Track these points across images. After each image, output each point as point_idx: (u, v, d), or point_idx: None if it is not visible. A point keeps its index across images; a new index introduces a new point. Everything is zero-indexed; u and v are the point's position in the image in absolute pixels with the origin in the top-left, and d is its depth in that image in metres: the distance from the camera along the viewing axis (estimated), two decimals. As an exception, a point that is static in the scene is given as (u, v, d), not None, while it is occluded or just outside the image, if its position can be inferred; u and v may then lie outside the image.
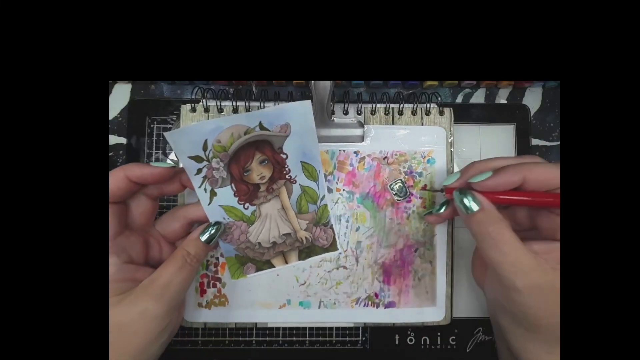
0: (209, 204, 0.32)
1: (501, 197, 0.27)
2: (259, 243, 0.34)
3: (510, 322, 0.28)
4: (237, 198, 0.33)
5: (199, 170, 0.31)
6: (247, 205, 0.33)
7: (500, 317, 0.29)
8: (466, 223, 0.27)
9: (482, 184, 0.26)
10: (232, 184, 0.32)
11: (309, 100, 0.30)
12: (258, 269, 0.35)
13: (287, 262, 0.35)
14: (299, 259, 0.35)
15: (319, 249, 0.35)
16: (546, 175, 0.25)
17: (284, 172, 0.33)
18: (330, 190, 0.35)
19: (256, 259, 0.35)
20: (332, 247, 0.35)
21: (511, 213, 0.31)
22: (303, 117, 0.30)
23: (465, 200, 0.26)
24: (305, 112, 0.30)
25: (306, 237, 0.35)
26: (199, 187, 0.31)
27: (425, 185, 0.35)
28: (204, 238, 0.31)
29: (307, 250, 0.35)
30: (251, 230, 0.34)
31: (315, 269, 0.35)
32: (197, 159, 0.30)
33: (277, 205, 0.34)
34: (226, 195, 0.32)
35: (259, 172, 0.32)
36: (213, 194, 0.32)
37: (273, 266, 0.35)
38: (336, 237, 0.35)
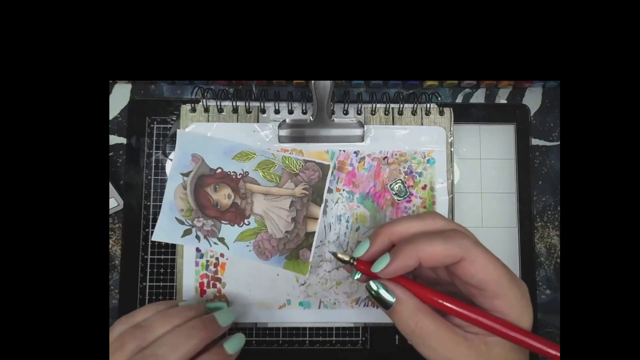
0: (228, 249, 0.35)
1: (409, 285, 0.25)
2: (279, 236, 0.35)
3: None
4: (235, 225, 0.35)
5: (197, 237, 0.35)
6: (247, 220, 0.35)
7: None
8: (390, 317, 0.26)
9: (382, 273, 0.25)
10: (221, 220, 0.35)
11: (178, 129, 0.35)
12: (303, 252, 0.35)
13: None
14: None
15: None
16: (436, 255, 0.24)
17: (234, 175, 0.35)
18: (330, 191, 0.35)
19: (294, 247, 0.35)
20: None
21: (433, 270, 0.28)
22: (186, 141, 0.35)
23: (382, 294, 0.25)
24: (185, 138, 0.35)
25: (304, 192, 0.35)
26: (210, 246, 0.35)
27: (335, 253, 0.28)
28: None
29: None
30: (271, 232, 0.35)
31: (315, 269, 0.35)
32: (187, 231, 0.35)
33: (260, 197, 0.35)
34: (229, 231, 0.35)
35: (221, 195, 0.35)
36: (222, 241, 0.35)
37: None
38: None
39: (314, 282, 0.35)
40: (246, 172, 0.35)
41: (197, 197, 0.35)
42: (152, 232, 0.36)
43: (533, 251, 0.37)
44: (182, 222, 0.35)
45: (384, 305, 0.25)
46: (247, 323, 0.35)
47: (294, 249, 0.35)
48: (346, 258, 0.27)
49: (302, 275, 0.35)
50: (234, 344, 0.29)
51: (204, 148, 0.35)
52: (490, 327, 0.23)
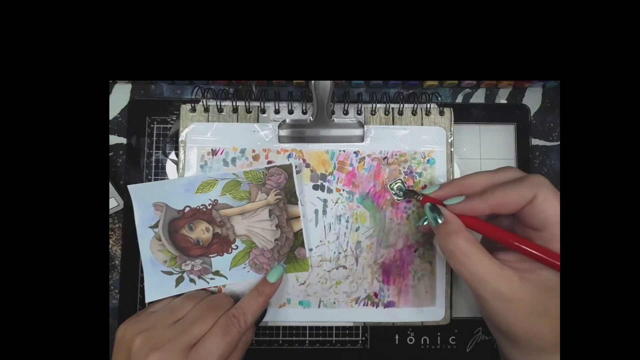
0: (227, 279, 0.35)
1: (470, 223, 0.28)
2: (270, 246, 0.35)
3: (494, 331, 0.28)
4: (224, 254, 0.34)
5: (192, 280, 0.34)
6: (234, 245, 0.34)
7: (488, 326, 0.29)
8: (435, 233, 0.28)
9: (451, 207, 0.28)
10: (208, 255, 0.34)
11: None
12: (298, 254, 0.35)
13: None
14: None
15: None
16: (509, 198, 0.26)
17: (204, 208, 0.34)
18: (330, 190, 0.35)
19: (288, 251, 0.35)
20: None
21: (497, 222, 0.30)
22: (141, 194, 0.34)
23: (435, 212, 0.28)
24: (139, 191, 0.34)
25: (278, 198, 0.34)
26: (208, 283, 0.34)
27: (411, 186, 0.35)
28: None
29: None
30: (261, 246, 0.35)
31: (315, 269, 0.35)
32: (179, 279, 0.34)
33: (239, 218, 0.34)
34: (220, 262, 0.34)
35: (199, 231, 0.34)
36: (218, 273, 0.34)
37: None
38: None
39: (313, 282, 0.35)
40: (215, 200, 0.34)
41: (176, 242, 0.34)
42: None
43: (533, 251, 0.37)
44: (170, 273, 0.34)
45: (432, 221, 0.28)
46: (247, 323, 0.35)
47: (289, 252, 0.35)
48: (416, 189, 0.34)
49: (306, 272, 0.35)
50: (275, 274, 0.33)
51: (162, 194, 0.34)
52: (525, 250, 0.25)
